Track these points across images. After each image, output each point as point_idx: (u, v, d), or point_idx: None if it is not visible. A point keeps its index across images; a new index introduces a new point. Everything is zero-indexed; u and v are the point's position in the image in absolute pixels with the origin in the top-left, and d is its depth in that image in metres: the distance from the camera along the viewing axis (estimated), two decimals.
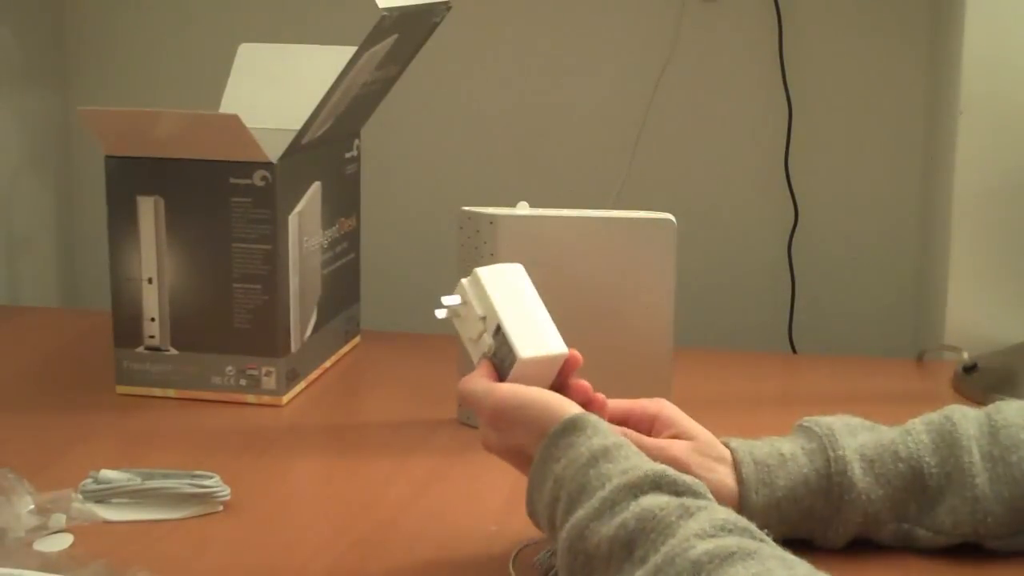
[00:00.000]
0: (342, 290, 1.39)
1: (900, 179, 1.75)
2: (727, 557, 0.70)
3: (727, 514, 0.74)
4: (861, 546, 0.95)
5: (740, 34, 1.75)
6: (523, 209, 1.17)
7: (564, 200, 1.22)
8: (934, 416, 0.95)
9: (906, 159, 1.74)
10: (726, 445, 0.95)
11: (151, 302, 1.24)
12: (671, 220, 1.14)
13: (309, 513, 1.03)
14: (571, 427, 0.84)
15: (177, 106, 1.25)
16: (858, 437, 0.94)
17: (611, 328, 1.15)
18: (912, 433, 0.94)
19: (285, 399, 1.25)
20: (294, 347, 1.26)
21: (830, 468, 0.92)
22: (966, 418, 0.94)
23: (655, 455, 0.84)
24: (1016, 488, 0.91)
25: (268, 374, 1.24)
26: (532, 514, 0.87)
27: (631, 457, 0.81)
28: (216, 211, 1.22)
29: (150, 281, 1.24)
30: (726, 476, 0.92)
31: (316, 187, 1.29)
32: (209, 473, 1.02)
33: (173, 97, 1.85)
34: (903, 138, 1.74)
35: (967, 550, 0.94)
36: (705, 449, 0.93)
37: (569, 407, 0.87)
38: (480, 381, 0.92)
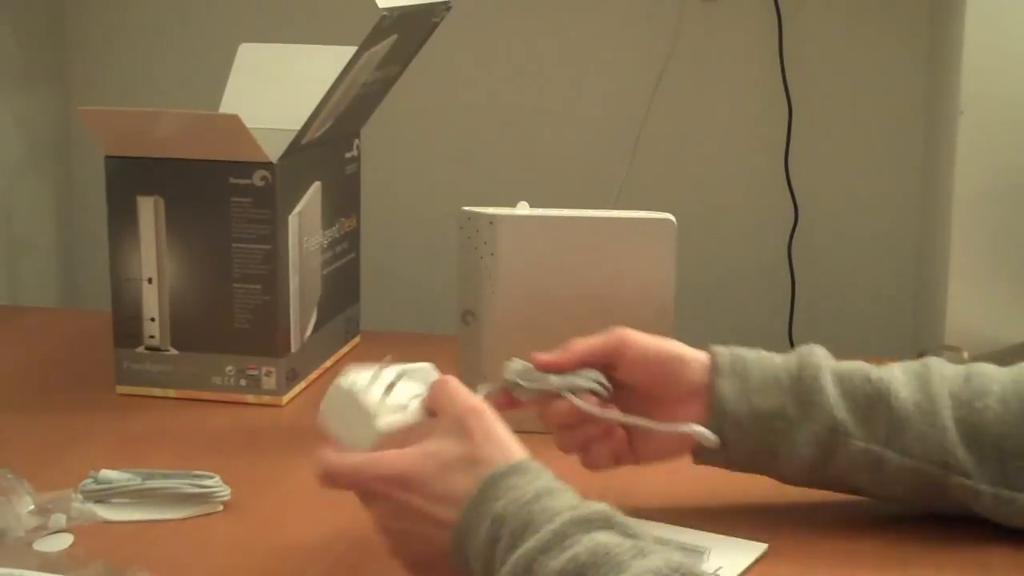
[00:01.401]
0: (342, 290, 1.39)
1: (900, 179, 1.75)
2: None
3: (683, 558, 0.73)
4: (856, 546, 0.95)
5: (740, 34, 1.76)
6: (523, 209, 1.17)
7: (564, 200, 1.22)
8: (913, 362, 0.98)
9: (906, 159, 1.74)
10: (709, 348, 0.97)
11: (151, 302, 1.24)
12: (671, 220, 1.14)
13: (309, 513, 1.03)
14: (513, 470, 0.80)
15: (177, 106, 1.25)
16: (834, 360, 0.96)
17: (611, 328, 1.15)
18: (887, 368, 0.96)
19: (285, 399, 1.25)
20: (294, 347, 1.26)
21: (803, 372, 0.94)
22: (943, 364, 0.97)
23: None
24: (978, 434, 0.92)
25: (268, 374, 1.24)
26: (464, 561, 0.80)
27: (576, 498, 0.79)
28: (216, 211, 1.22)
29: (150, 281, 1.24)
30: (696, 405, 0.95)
31: (316, 187, 1.29)
32: (209, 473, 1.02)
33: (173, 97, 1.85)
34: (903, 138, 1.74)
35: (966, 545, 0.94)
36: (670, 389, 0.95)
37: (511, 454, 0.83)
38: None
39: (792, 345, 1.74)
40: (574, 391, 0.93)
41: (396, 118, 1.60)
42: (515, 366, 0.95)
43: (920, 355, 1.42)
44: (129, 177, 1.23)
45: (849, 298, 1.78)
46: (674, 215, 1.15)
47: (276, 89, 1.36)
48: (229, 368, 1.24)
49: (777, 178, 1.76)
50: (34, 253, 1.87)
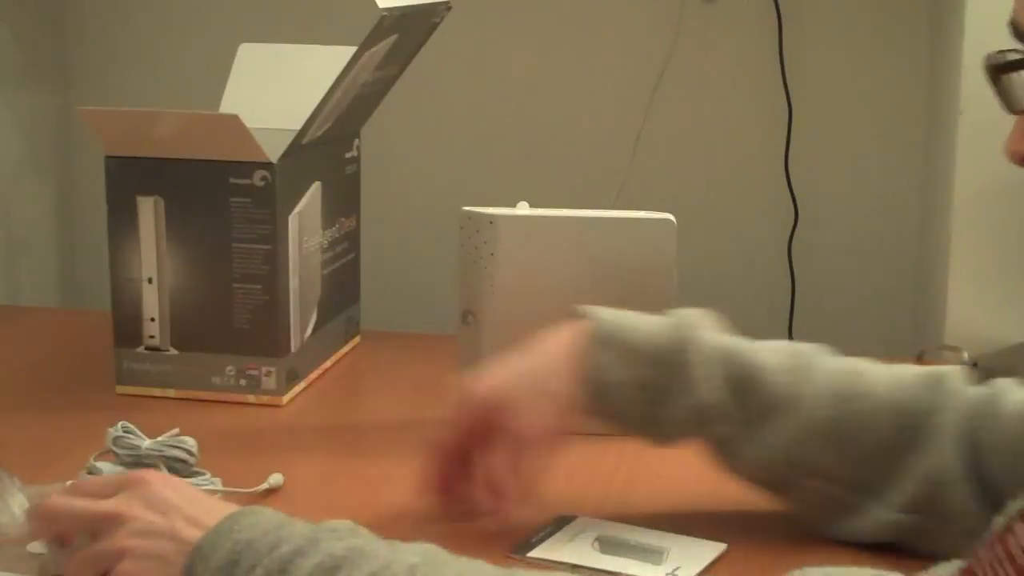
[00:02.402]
0: (342, 290, 1.39)
1: (900, 179, 1.75)
2: None
3: (439, 550, 0.75)
4: (817, 544, 0.95)
5: (740, 34, 1.76)
6: (523, 209, 1.17)
7: (564, 200, 1.22)
8: (803, 346, 0.97)
9: (906, 159, 1.74)
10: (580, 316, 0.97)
11: (151, 302, 1.24)
12: (671, 220, 1.14)
13: (309, 513, 1.02)
14: (252, 511, 0.79)
15: (177, 106, 1.25)
16: (717, 332, 0.96)
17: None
18: (773, 351, 0.96)
19: (285, 399, 1.25)
20: (294, 347, 1.26)
21: (681, 345, 0.94)
22: (831, 357, 0.96)
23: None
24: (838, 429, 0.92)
25: (268, 374, 1.24)
26: None
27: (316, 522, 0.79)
28: (216, 211, 1.22)
29: (150, 281, 1.24)
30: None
31: (316, 187, 1.29)
32: (200, 470, 1.02)
33: (173, 97, 1.84)
34: (903, 138, 1.74)
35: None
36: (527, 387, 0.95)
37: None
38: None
39: None
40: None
41: (396, 118, 1.60)
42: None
43: (920, 355, 1.43)
44: (129, 177, 1.23)
45: (849, 298, 1.78)
46: (674, 215, 1.15)
47: (276, 89, 1.36)
48: (229, 368, 1.24)
49: (777, 178, 1.76)
50: (34, 253, 1.87)
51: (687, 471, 1.02)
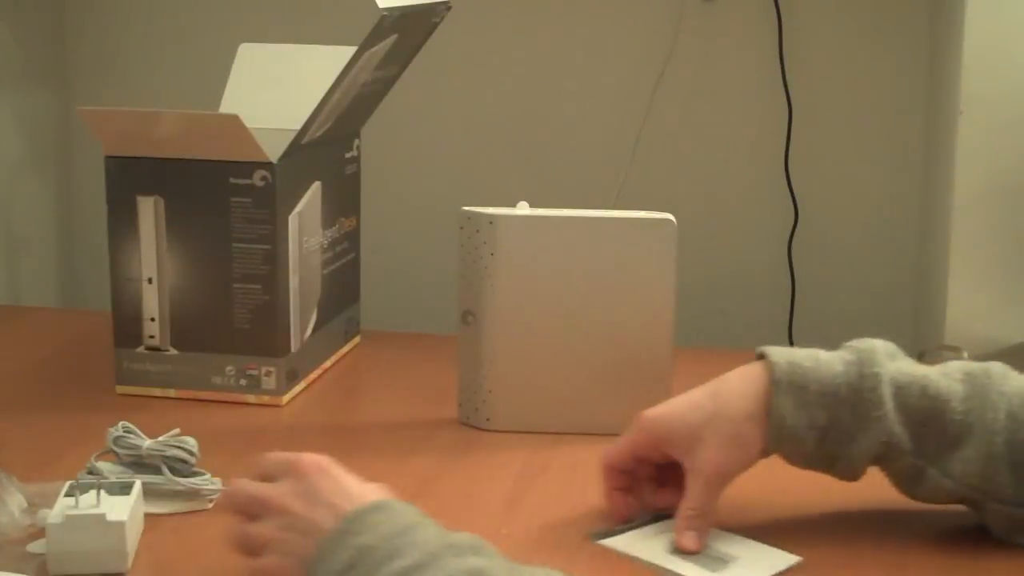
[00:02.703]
0: (342, 290, 1.39)
1: (900, 179, 1.75)
2: None
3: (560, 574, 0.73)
4: (866, 548, 0.95)
5: (740, 34, 1.76)
6: (523, 209, 1.17)
7: (564, 200, 1.22)
8: (976, 366, 0.95)
9: (906, 159, 1.74)
10: (761, 355, 0.96)
11: (151, 302, 1.24)
12: (671, 220, 1.14)
13: None
14: (376, 507, 0.80)
15: (177, 106, 1.25)
16: (896, 361, 0.95)
17: (611, 328, 1.15)
18: (948, 375, 0.94)
19: (285, 399, 1.25)
20: (294, 347, 1.26)
21: (863, 383, 0.93)
22: (1005, 377, 0.94)
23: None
24: None
25: (268, 374, 1.24)
26: None
27: (442, 529, 0.78)
28: (216, 211, 1.22)
29: (150, 281, 1.24)
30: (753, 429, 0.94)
31: (316, 187, 1.29)
32: (200, 470, 1.02)
33: (173, 97, 1.85)
34: (903, 138, 1.74)
35: (966, 549, 0.94)
36: (719, 428, 0.94)
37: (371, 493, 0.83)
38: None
39: (792, 345, 1.74)
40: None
41: (396, 118, 1.60)
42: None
43: (920, 355, 1.43)
44: (129, 177, 1.23)
45: (849, 298, 1.78)
46: (674, 215, 1.15)
47: (276, 89, 1.36)
48: (229, 368, 1.24)
49: (777, 178, 1.76)
50: (34, 253, 1.87)
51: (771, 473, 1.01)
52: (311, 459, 0.85)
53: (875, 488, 0.97)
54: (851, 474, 0.96)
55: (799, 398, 0.93)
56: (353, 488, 0.83)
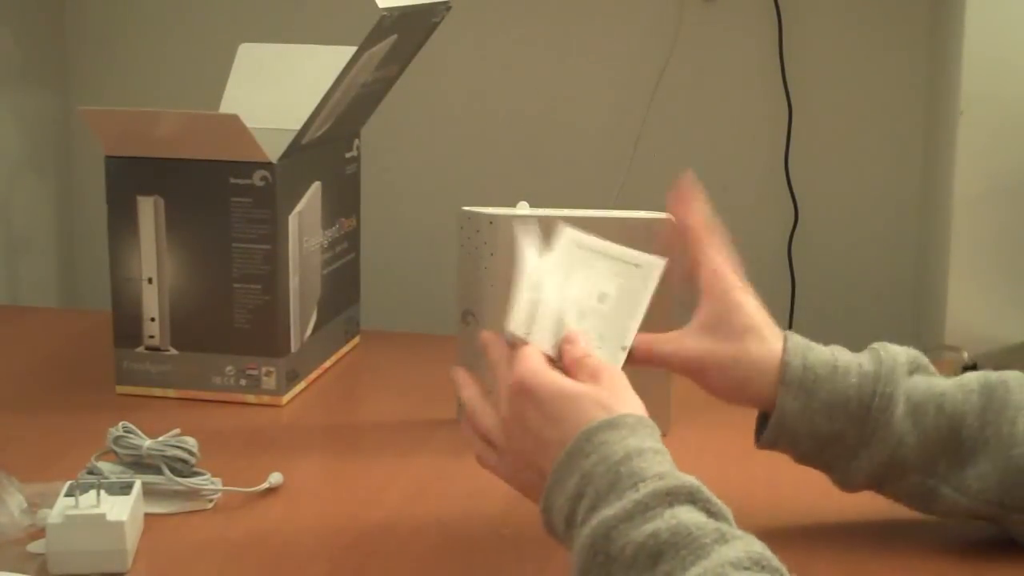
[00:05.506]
0: (342, 290, 1.39)
1: (900, 179, 1.75)
2: None
3: (763, 549, 0.71)
4: (866, 551, 0.95)
5: (740, 34, 1.76)
6: (523, 209, 1.17)
7: (564, 200, 1.22)
8: (993, 376, 0.93)
9: (906, 159, 1.74)
10: (786, 341, 0.94)
11: (151, 302, 1.24)
12: (671, 220, 1.14)
13: (309, 513, 1.03)
14: (608, 425, 0.80)
15: (177, 106, 1.25)
16: (913, 377, 0.92)
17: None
18: (964, 389, 0.92)
19: (285, 399, 1.25)
20: (294, 347, 1.26)
21: (874, 402, 0.91)
22: (1022, 387, 0.92)
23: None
24: None
25: (268, 374, 1.24)
26: (546, 510, 0.82)
27: (666, 464, 0.78)
28: (216, 211, 1.22)
29: (150, 281, 1.24)
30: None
31: (316, 187, 1.29)
32: (201, 470, 1.02)
33: (173, 97, 1.85)
34: (903, 138, 1.74)
35: (972, 549, 0.94)
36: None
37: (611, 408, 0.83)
38: (537, 361, 0.88)
39: None
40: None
41: (396, 118, 1.60)
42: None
43: None
44: (129, 177, 1.23)
45: (849, 298, 1.78)
46: None
47: (276, 89, 1.36)
48: (229, 368, 1.24)
49: (777, 178, 1.76)
50: (34, 253, 1.87)
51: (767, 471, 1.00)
52: (524, 380, 0.86)
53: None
54: (848, 486, 0.94)
55: (805, 404, 0.92)
56: (563, 409, 0.84)
